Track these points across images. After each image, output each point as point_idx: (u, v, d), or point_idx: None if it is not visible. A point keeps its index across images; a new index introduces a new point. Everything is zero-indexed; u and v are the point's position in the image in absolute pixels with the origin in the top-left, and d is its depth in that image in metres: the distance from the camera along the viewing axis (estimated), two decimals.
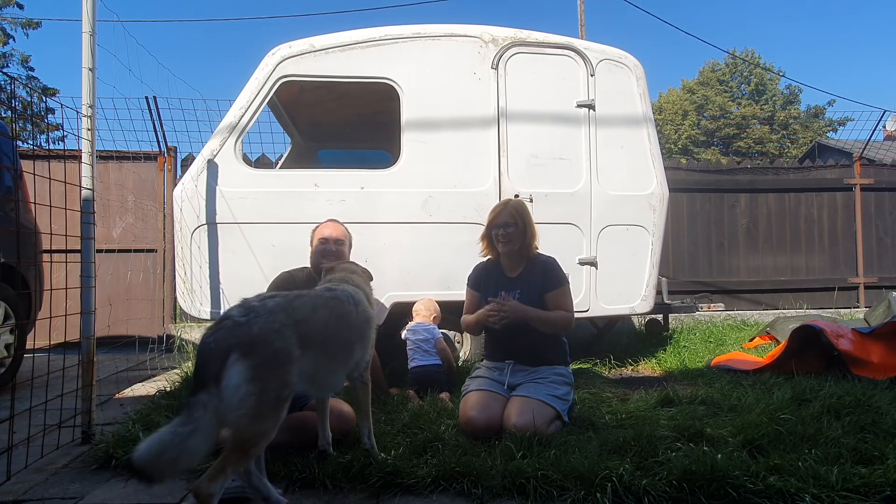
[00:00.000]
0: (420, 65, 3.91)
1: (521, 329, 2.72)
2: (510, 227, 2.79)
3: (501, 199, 3.87)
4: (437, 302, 3.69)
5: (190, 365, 3.86)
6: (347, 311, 2.14)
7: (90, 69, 2.56)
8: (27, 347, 4.22)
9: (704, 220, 7.16)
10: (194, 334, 5.95)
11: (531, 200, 3.81)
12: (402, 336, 3.59)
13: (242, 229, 3.71)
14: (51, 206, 2.43)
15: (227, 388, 1.63)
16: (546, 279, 2.79)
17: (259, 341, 1.72)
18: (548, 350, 2.79)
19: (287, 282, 2.83)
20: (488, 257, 3.00)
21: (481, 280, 2.94)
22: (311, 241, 3.05)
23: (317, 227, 3.10)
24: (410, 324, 3.58)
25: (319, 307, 2.04)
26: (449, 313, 3.78)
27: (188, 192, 3.71)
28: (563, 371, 2.78)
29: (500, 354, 2.84)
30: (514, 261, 2.87)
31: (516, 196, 3.87)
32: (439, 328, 3.63)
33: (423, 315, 3.60)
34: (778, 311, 6.76)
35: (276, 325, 1.78)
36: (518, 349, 2.77)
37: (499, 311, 2.64)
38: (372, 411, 2.83)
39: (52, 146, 9.94)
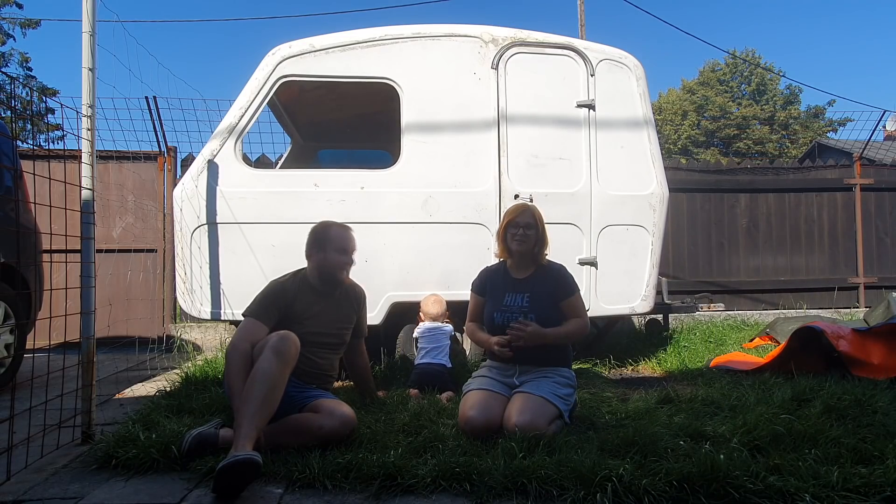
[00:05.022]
0: (420, 65, 3.91)
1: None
2: (531, 229, 2.80)
3: (502, 200, 3.88)
4: None
5: (190, 365, 3.86)
6: None
7: (90, 69, 2.56)
8: (27, 347, 4.22)
9: (704, 220, 7.15)
10: (194, 334, 5.96)
11: (531, 200, 3.80)
12: (414, 335, 3.63)
13: (242, 229, 3.71)
14: (51, 206, 2.43)
15: None
16: (559, 287, 2.80)
17: None
18: (553, 354, 2.79)
19: (278, 293, 2.70)
20: (496, 260, 3.00)
21: (486, 284, 2.94)
22: (322, 246, 2.77)
23: (329, 231, 2.80)
24: (425, 324, 3.61)
25: None
26: (450, 313, 3.79)
27: (188, 192, 3.71)
28: (567, 373, 2.79)
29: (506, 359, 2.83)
30: (524, 262, 2.87)
31: (516, 196, 3.88)
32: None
33: (434, 315, 3.63)
34: (778, 311, 6.76)
35: None
36: (523, 354, 2.77)
37: (517, 336, 2.64)
38: (371, 411, 2.86)
39: (51, 146, 9.95)
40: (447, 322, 3.68)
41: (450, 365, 3.51)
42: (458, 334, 3.99)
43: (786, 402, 2.81)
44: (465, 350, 3.97)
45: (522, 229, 2.80)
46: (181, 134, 8.82)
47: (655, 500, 1.87)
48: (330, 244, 2.78)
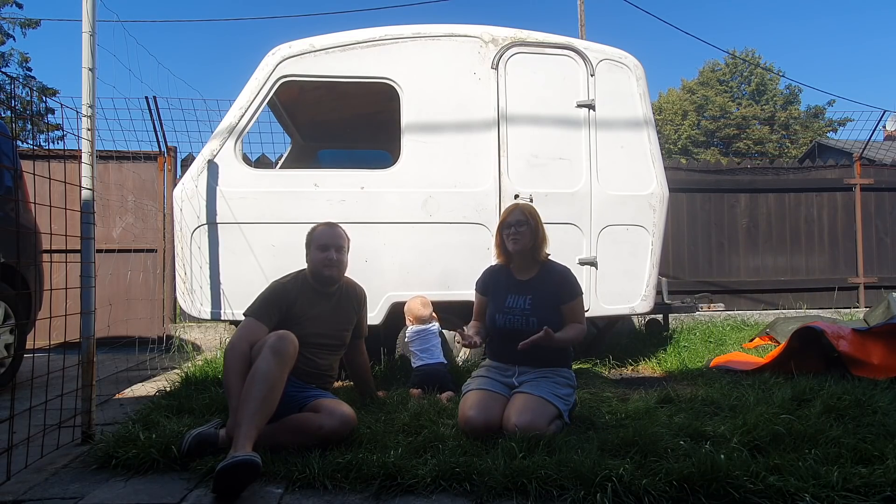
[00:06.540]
0: (420, 65, 3.91)
1: (526, 335, 2.71)
2: (522, 226, 2.78)
3: (502, 200, 3.88)
4: (438, 302, 3.70)
5: (189, 365, 3.86)
6: None
7: (90, 69, 2.56)
8: (27, 347, 4.22)
9: (704, 220, 7.15)
10: (194, 334, 5.96)
11: (531, 200, 3.81)
12: (406, 338, 3.62)
13: (242, 229, 3.71)
14: (51, 206, 2.43)
15: None
16: (562, 290, 2.77)
17: None
18: (552, 354, 2.78)
19: (280, 294, 2.70)
20: (498, 262, 2.98)
21: (489, 284, 2.93)
22: (308, 245, 2.83)
23: (314, 231, 2.86)
24: (414, 327, 3.59)
25: None
26: (449, 313, 3.79)
27: (188, 192, 3.71)
28: (567, 373, 2.79)
29: (505, 359, 2.83)
30: (525, 263, 2.85)
31: (516, 196, 3.88)
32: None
33: (424, 318, 3.61)
34: (778, 311, 6.76)
35: None
36: (523, 355, 2.76)
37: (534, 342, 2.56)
38: (371, 411, 2.86)
39: (51, 146, 9.95)
40: (433, 319, 3.67)
41: (447, 362, 3.52)
42: (456, 334, 3.99)
43: (786, 402, 2.81)
44: (451, 349, 3.96)
45: (514, 227, 2.79)
46: (181, 134, 8.86)
47: (655, 500, 1.87)
48: (312, 243, 2.81)
